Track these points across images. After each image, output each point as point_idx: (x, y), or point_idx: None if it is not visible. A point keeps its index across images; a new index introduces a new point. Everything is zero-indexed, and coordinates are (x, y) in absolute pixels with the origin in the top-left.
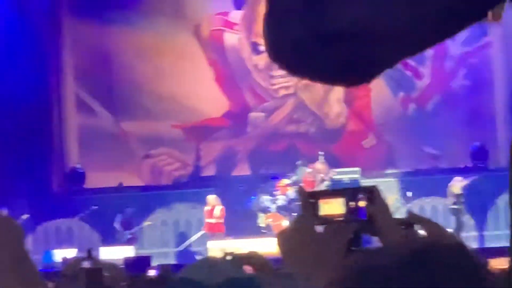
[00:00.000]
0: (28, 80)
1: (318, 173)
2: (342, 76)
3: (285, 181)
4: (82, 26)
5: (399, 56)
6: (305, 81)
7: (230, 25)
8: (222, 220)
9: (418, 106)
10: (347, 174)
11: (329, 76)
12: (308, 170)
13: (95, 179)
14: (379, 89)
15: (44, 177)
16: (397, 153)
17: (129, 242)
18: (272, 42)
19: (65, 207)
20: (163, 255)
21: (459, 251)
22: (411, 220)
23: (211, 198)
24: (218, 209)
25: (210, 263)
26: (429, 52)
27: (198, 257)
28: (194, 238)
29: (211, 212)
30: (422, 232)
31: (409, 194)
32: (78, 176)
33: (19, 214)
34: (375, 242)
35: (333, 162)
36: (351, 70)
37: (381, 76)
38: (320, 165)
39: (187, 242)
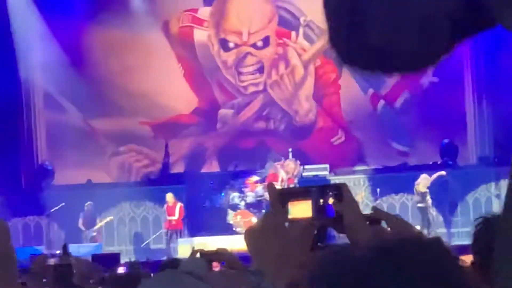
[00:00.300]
0: None
1: (287, 170)
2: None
3: (254, 178)
4: (50, 22)
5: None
6: (274, 78)
7: (199, 21)
8: (180, 218)
9: (387, 103)
10: (316, 171)
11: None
12: (275, 165)
13: (64, 176)
14: (348, 86)
15: (13, 174)
16: (366, 150)
17: (93, 240)
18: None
19: (34, 203)
20: (131, 252)
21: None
22: (376, 216)
23: (170, 196)
24: (178, 207)
25: (172, 276)
26: None
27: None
28: (153, 236)
29: (171, 210)
30: (386, 228)
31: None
32: (46, 173)
33: None
34: (340, 238)
35: (303, 159)
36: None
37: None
38: (289, 162)
39: (150, 239)
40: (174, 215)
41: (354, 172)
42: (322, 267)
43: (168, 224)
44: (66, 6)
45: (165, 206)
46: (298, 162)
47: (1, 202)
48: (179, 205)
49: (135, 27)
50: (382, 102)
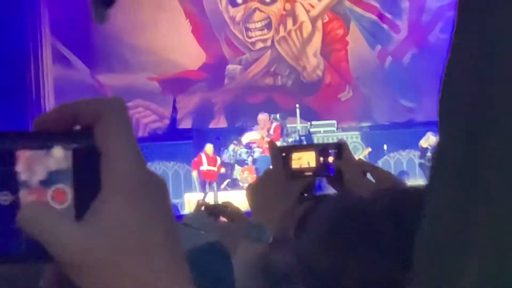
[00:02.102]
0: (3, 32)
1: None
2: None
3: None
4: None
5: None
6: (282, 34)
7: None
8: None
9: (395, 59)
10: (323, 127)
11: None
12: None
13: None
14: (356, 42)
15: (22, 128)
16: (373, 106)
17: None
18: None
19: None
20: None
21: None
22: (361, 168)
23: (210, 148)
24: (218, 159)
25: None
26: (406, 5)
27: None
28: None
29: (212, 160)
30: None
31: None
32: None
33: None
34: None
35: (310, 115)
36: None
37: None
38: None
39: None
40: (214, 166)
41: (361, 128)
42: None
43: (205, 174)
44: None
45: (201, 155)
46: (275, 116)
47: None
48: (218, 158)
49: None
50: (389, 58)
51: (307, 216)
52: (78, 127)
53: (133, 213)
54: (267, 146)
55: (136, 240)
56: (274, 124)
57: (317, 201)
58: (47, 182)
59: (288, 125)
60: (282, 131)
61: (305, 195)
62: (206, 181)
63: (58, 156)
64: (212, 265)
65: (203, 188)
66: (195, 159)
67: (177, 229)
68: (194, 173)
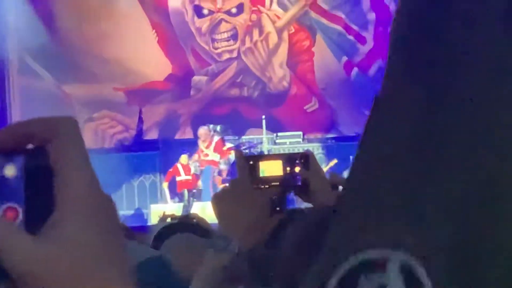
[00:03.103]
0: None
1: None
2: None
3: (228, 145)
4: None
5: None
6: (248, 45)
7: None
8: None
9: (361, 71)
10: (289, 139)
11: None
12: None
13: None
14: (322, 53)
15: None
16: (339, 117)
17: None
18: None
19: None
20: None
21: None
22: (333, 181)
23: (184, 158)
24: (192, 167)
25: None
26: (372, 17)
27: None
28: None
29: (187, 169)
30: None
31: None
32: None
33: None
34: (299, 203)
35: (276, 126)
36: None
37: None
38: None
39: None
40: (190, 175)
41: (327, 140)
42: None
43: (183, 183)
44: None
45: (178, 166)
46: (211, 128)
47: None
48: (193, 165)
49: None
50: (355, 69)
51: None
52: (30, 146)
53: (86, 230)
54: (211, 159)
55: (89, 255)
56: (216, 138)
57: (289, 214)
58: None
59: (254, 136)
60: (224, 144)
61: (277, 209)
62: (186, 190)
63: (10, 175)
64: (156, 278)
65: (181, 198)
66: (170, 169)
67: (126, 245)
68: (165, 184)
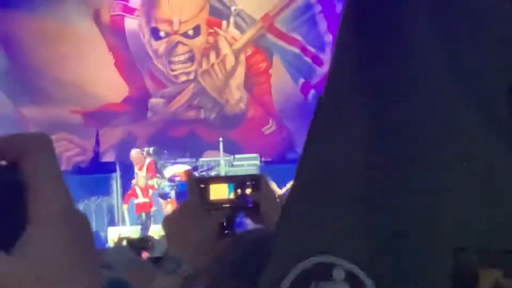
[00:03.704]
0: None
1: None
2: None
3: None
4: None
5: None
6: (205, 67)
7: (130, 10)
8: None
9: (318, 93)
10: (247, 161)
11: None
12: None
13: None
14: (279, 75)
15: None
16: (297, 139)
17: None
18: None
19: None
20: None
21: None
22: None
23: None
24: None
25: None
26: (329, 38)
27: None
28: None
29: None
30: None
31: None
32: None
33: None
34: (248, 226)
35: (234, 148)
36: None
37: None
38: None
39: None
40: (147, 197)
41: (285, 162)
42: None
43: (141, 206)
44: None
45: (135, 188)
46: (143, 152)
47: None
48: (150, 190)
49: (66, 15)
50: (312, 91)
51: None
52: (3, 162)
53: (57, 248)
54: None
55: (61, 271)
56: (148, 160)
57: (238, 237)
58: None
59: (212, 158)
60: (156, 167)
61: (226, 231)
62: (144, 213)
63: None
64: None
65: (138, 221)
66: (129, 191)
67: (97, 263)
68: (125, 207)
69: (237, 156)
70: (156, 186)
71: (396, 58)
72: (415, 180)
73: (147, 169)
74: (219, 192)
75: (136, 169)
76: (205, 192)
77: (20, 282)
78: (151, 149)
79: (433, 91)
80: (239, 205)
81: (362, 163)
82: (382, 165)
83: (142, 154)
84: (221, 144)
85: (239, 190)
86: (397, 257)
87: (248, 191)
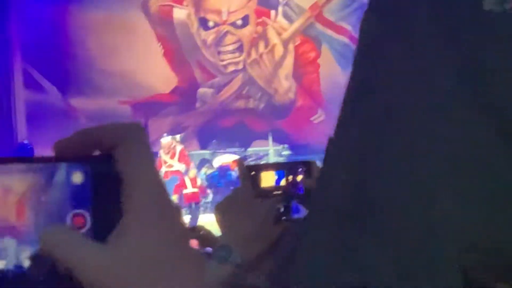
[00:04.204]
0: None
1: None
2: None
3: (234, 156)
4: (30, 2)
5: None
6: (254, 57)
7: (178, 0)
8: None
9: None
10: (295, 150)
11: None
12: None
13: (44, 155)
14: (328, 64)
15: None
16: None
17: None
18: None
19: None
20: None
21: None
22: None
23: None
24: (198, 180)
25: None
26: None
27: None
28: None
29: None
30: None
31: None
32: (26, 152)
33: None
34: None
35: (282, 138)
36: None
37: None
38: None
39: None
40: (196, 187)
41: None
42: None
43: (190, 196)
44: None
45: (185, 178)
46: (175, 138)
47: None
48: (198, 179)
49: (115, 6)
50: None
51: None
52: (97, 152)
53: (153, 237)
54: (176, 169)
55: (157, 264)
56: (179, 148)
57: (293, 223)
58: (67, 207)
59: (260, 148)
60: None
61: (283, 218)
62: (191, 203)
63: (78, 182)
64: None
65: (188, 211)
66: (178, 182)
67: (192, 252)
68: (175, 197)
69: (286, 145)
70: (204, 175)
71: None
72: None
73: (180, 157)
74: (270, 179)
75: (166, 157)
76: (256, 179)
77: (118, 272)
78: (178, 136)
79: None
80: (290, 192)
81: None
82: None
83: (172, 142)
84: (270, 137)
85: (290, 177)
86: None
87: (299, 177)
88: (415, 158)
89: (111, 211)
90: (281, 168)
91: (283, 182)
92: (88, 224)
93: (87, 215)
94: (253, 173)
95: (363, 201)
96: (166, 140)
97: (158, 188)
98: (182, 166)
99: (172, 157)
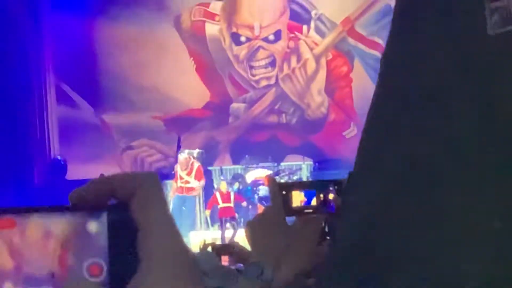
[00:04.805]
0: (8, 72)
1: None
2: None
3: (267, 171)
4: (62, 18)
5: None
6: (286, 72)
7: (211, 15)
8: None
9: None
10: (328, 164)
11: None
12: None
13: (77, 171)
14: (360, 79)
15: (26, 169)
16: None
17: None
18: None
19: (46, 199)
20: None
21: None
22: None
23: (223, 185)
24: (232, 195)
25: None
26: None
27: None
28: None
29: (226, 197)
30: None
31: None
32: (59, 168)
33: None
34: None
35: (315, 153)
36: None
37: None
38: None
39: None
40: (230, 202)
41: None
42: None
43: (223, 211)
44: (78, 3)
45: (216, 194)
46: (192, 154)
47: (16, 196)
48: (232, 193)
49: (147, 22)
50: None
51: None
52: (113, 201)
53: (170, 284)
54: (192, 186)
55: None
56: (196, 165)
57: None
58: (82, 256)
59: (293, 163)
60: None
61: (327, 237)
62: (224, 218)
63: (94, 230)
64: None
65: (221, 226)
66: (210, 198)
67: None
68: (207, 212)
69: (319, 160)
70: (236, 190)
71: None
72: None
73: (196, 174)
74: (301, 198)
75: (183, 173)
76: (287, 198)
77: None
78: (195, 152)
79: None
80: (322, 210)
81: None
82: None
83: (190, 159)
84: (303, 162)
85: (321, 195)
86: None
87: (331, 196)
88: (443, 216)
89: (128, 260)
90: (313, 187)
91: (314, 202)
92: (104, 273)
93: (103, 264)
94: (284, 192)
95: (379, 253)
96: (183, 156)
97: (173, 236)
98: (197, 183)
99: (189, 173)
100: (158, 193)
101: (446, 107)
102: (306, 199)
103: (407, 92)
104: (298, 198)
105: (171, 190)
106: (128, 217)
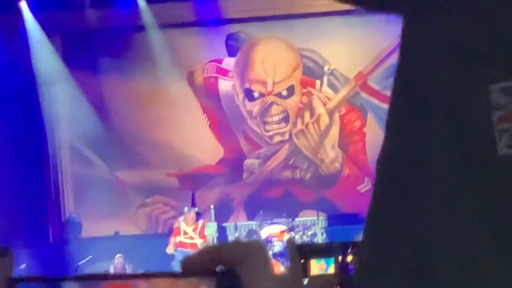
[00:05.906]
0: (22, 130)
1: (186, 221)
2: None
3: (281, 227)
4: (75, 76)
5: None
6: (300, 127)
7: (224, 72)
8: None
9: None
10: (343, 219)
11: None
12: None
13: (91, 229)
14: (373, 133)
15: (41, 228)
16: None
17: None
18: None
19: (62, 257)
20: None
21: None
22: None
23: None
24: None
25: None
26: None
27: None
28: None
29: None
30: None
31: None
32: (74, 226)
33: (16, 264)
34: None
35: (329, 208)
36: None
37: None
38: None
39: None
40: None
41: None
42: None
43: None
44: (90, 59)
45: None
46: (195, 211)
47: (29, 256)
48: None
49: (160, 79)
50: None
51: None
52: (221, 268)
53: None
54: (195, 242)
55: None
56: (201, 222)
57: None
58: None
59: (308, 218)
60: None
61: None
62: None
63: None
64: None
65: None
66: None
67: None
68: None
69: (331, 215)
70: None
71: None
72: None
73: (200, 233)
74: (319, 267)
75: (188, 229)
76: (305, 267)
77: None
78: (195, 209)
79: None
80: (340, 273)
81: None
82: None
83: (194, 215)
84: (318, 218)
85: (340, 257)
86: None
87: (350, 258)
88: None
89: None
90: (331, 251)
91: (331, 269)
92: None
93: None
94: (302, 260)
95: None
96: (189, 212)
97: None
98: (201, 241)
99: (195, 230)
100: (265, 261)
101: None
102: (324, 269)
103: None
104: (316, 266)
105: (169, 245)
106: (236, 284)
